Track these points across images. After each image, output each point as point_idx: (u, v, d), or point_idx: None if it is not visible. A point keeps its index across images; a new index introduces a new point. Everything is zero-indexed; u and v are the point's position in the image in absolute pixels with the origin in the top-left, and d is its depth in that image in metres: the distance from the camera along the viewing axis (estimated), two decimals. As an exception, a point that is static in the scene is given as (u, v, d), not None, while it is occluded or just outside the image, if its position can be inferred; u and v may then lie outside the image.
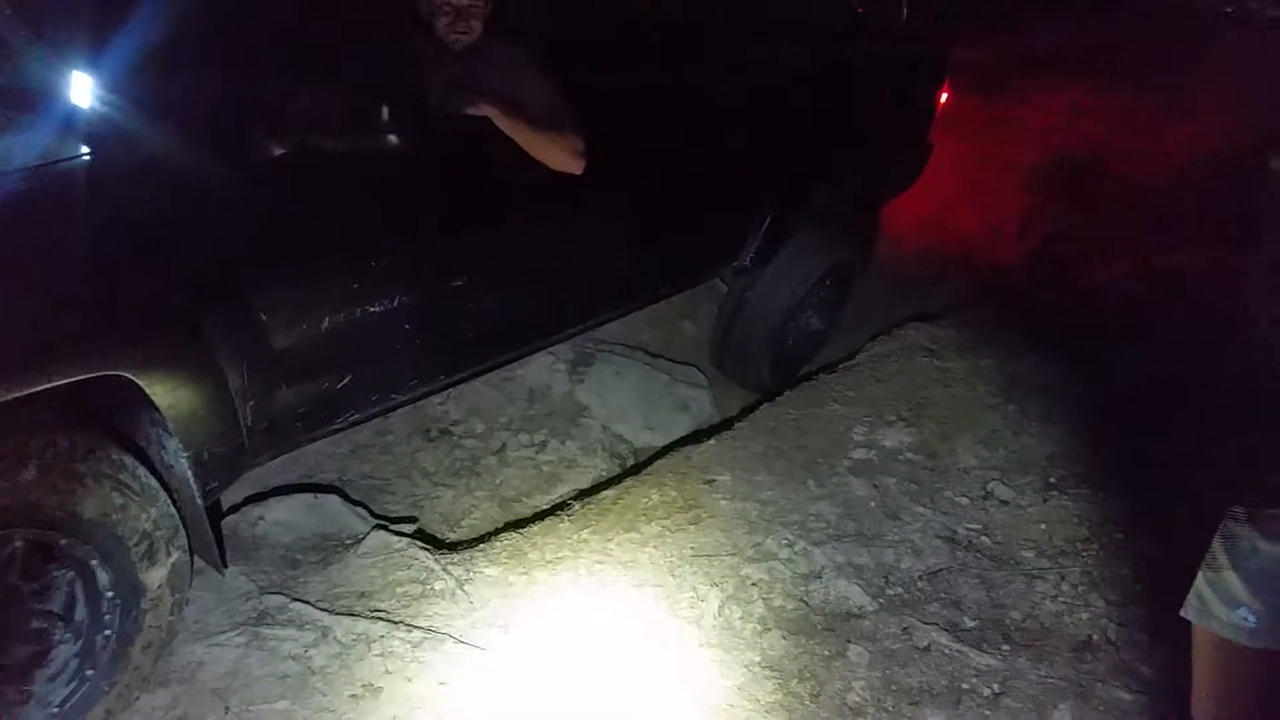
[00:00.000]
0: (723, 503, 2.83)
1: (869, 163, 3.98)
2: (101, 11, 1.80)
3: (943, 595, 2.49)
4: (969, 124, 4.58)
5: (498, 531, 2.80)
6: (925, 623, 2.38)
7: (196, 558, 2.17)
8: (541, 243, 2.71)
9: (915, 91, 4.09)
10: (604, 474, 3.37)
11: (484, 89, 2.41)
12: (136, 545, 2.00)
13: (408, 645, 2.25)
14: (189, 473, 1.99)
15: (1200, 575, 1.81)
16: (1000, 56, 7.94)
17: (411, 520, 2.95)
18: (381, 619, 2.33)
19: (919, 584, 2.53)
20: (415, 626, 2.31)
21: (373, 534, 2.67)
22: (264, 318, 2.06)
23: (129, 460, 1.96)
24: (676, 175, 3.07)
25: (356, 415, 2.42)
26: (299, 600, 2.38)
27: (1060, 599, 2.47)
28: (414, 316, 2.38)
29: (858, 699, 2.18)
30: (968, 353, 3.66)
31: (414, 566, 2.55)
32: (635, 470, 3.12)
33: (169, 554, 2.07)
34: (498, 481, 3.30)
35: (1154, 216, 5.77)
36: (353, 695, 2.13)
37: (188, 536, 2.09)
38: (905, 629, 2.37)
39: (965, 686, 2.20)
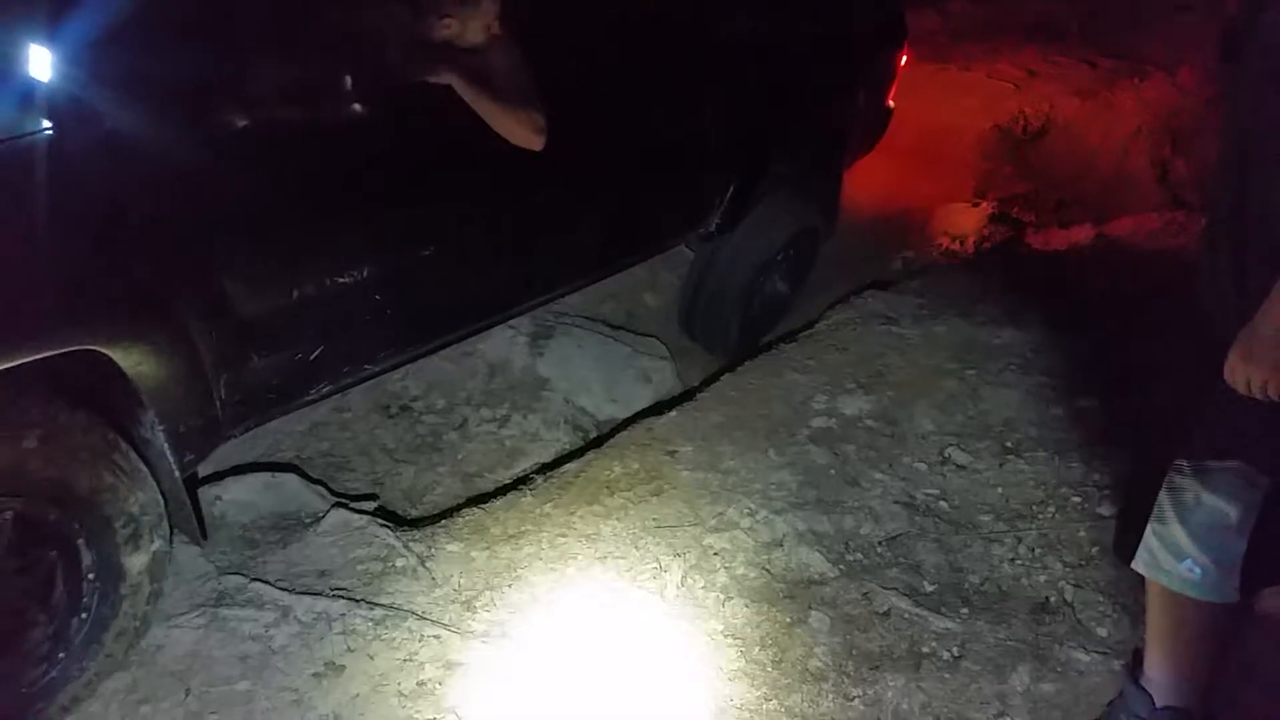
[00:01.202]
0: (684, 473, 2.83)
1: (830, 127, 4.00)
2: None
3: (902, 560, 2.51)
4: (922, 90, 4.58)
5: (459, 507, 2.79)
6: (885, 588, 2.40)
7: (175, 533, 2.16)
8: (507, 212, 2.71)
9: (874, 55, 4.11)
10: (567, 447, 3.36)
11: (449, 56, 2.39)
12: (123, 528, 2.01)
13: (369, 623, 2.24)
14: (165, 446, 2.01)
15: (1149, 528, 1.85)
16: (952, 22, 7.96)
17: (372, 498, 2.93)
18: (342, 597, 2.32)
19: (878, 549, 2.55)
20: (377, 604, 2.30)
21: (332, 512, 2.64)
22: (232, 290, 2.07)
23: (120, 440, 1.96)
24: (640, 142, 3.08)
25: (330, 386, 2.44)
26: (258, 580, 2.36)
27: (1018, 562, 2.50)
28: (382, 287, 2.39)
29: (819, 664, 2.20)
30: (925, 320, 3.68)
31: (374, 544, 2.53)
32: (597, 443, 3.11)
33: (152, 541, 2.07)
34: (460, 457, 3.28)
35: (1108, 179, 5.84)
36: (314, 674, 2.12)
37: (169, 514, 2.09)
38: (865, 594, 2.39)
39: (925, 650, 2.23)
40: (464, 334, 2.91)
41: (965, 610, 2.35)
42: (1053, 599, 2.39)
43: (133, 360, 1.89)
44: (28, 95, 1.74)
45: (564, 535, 2.59)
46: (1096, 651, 2.21)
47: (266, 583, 2.35)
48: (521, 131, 2.50)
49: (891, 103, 4.24)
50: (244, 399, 2.20)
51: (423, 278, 2.53)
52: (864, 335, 3.60)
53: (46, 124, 1.74)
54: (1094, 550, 2.53)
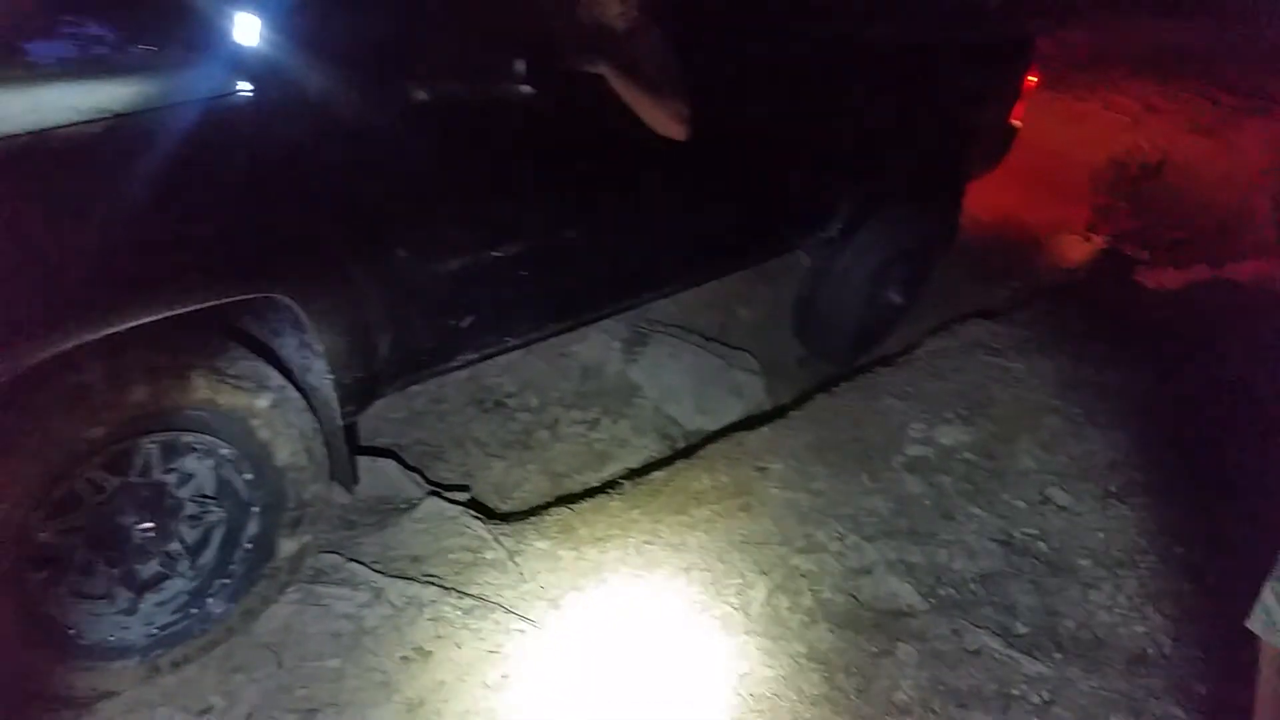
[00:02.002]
0: (774, 491, 2.82)
1: (955, 141, 4.00)
2: None
3: (995, 599, 2.46)
4: (1037, 118, 4.49)
5: (548, 505, 2.81)
6: (976, 625, 2.36)
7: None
8: (650, 201, 2.80)
9: (1003, 72, 4.09)
10: (654, 455, 3.37)
11: (604, 46, 2.48)
12: (291, 510, 2.14)
13: (458, 612, 2.28)
14: (332, 394, 2.13)
15: (1267, 586, 1.77)
16: (1070, 52, 7.77)
17: (464, 489, 2.97)
18: (434, 584, 2.35)
19: (971, 586, 2.50)
20: (466, 594, 2.33)
21: (427, 500, 2.69)
22: (403, 256, 2.18)
23: (311, 421, 2.11)
24: (778, 146, 3.14)
25: (473, 354, 2.56)
26: (354, 560, 2.41)
27: (1115, 610, 2.43)
28: (528, 264, 2.50)
29: (904, 698, 2.16)
30: (1031, 353, 3.60)
31: (466, 535, 2.57)
32: (686, 453, 3.11)
33: (306, 533, 2.19)
34: (549, 456, 3.30)
35: (1226, 220, 5.64)
36: (403, 657, 2.16)
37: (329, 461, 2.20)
38: (956, 630, 2.35)
39: (1015, 693, 2.18)
40: (596, 317, 3.02)
41: (1058, 655, 2.29)
42: (1150, 651, 2.31)
43: (312, 310, 2.01)
44: (233, 59, 1.90)
45: (650, 543, 2.59)
46: (1196, 711, 2.14)
47: (361, 563, 2.40)
48: (666, 120, 2.56)
49: (1017, 122, 4.19)
50: (401, 358, 2.32)
51: (566, 259, 2.63)
52: (965, 365, 3.53)
53: (248, 86, 1.87)
54: (1195, 603, 2.45)
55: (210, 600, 2.12)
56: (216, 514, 2.09)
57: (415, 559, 2.48)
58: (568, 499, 2.85)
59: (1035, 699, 2.17)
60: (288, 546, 2.18)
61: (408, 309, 2.26)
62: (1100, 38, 7.67)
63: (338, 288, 2.07)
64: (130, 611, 2.01)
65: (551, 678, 2.14)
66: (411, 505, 2.69)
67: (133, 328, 1.73)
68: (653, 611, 2.35)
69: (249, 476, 2.08)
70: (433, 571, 2.42)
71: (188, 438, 1.97)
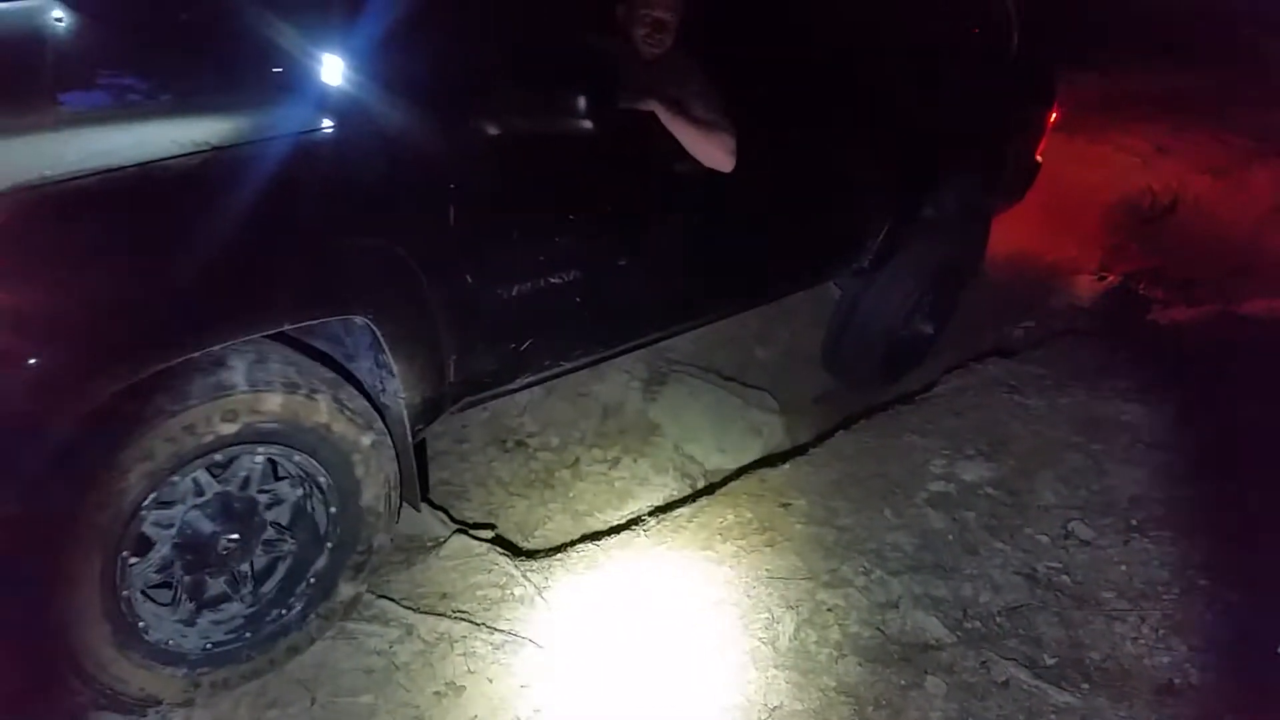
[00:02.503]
0: (798, 527, 2.84)
1: (984, 174, 4.12)
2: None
3: (1021, 632, 2.47)
4: (1050, 160, 4.57)
5: (574, 542, 2.84)
6: (1004, 658, 2.37)
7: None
8: (695, 232, 2.94)
9: (1028, 110, 4.22)
10: (675, 493, 3.40)
11: (654, 89, 2.62)
12: (359, 554, 2.26)
13: (489, 647, 2.30)
14: (404, 413, 2.25)
15: None
16: (1082, 95, 7.85)
17: (489, 527, 3.00)
18: (464, 620, 2.38)
19: (997, 619, 2.51)
20: (496, 629, 2.36)
21: (454, 538, 2.73)
22: (470, 282, 2.31)
23: (394, 470, 2.26)
24: (816, 179, 3.29)
25: (531, 376, 2.69)
26: (384, 598, 2.44)
27: (1141, 641, 2.44)
28: (582, 291, 2.62)
29: (934, 729, 2.18)
30: (1049, 390, 3.63)
31: (494, 571, 2.60)
32: (709, 490, 3.14)
33: (364, 582, 2.33)
34: (571, 495, 3.34)
35: (1238, 261, 5.67)
36: (436, 693, 2.18)
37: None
38: (984, 663, 2.36)
39: (1044, 724, 2.19)
40: (644, 342, 3.14)
41: (1086, 686, 2.30)
42: (1177, 681, 2.32)
43: (389, 331, 2.13)
44: (318, 97, 2.05)
45: (677, 578, 2.62)
46: (1226, 740, 2.15)
47: (392, 600, 2.43)
48: (714, 153, 2.71)
49: (1040, 158, 4.31)
50: (465, 379, 2.45)
51: (615, 286, 2.74)
52: (984, 402, 3.57)
53: (330, 123, 2.02)
54: (1221, 636, 2.46)
55: (263, 629, 2.17)
56: (289, 545, 2.19)
57: (444, 595, 2.51)
58: (593, 536, 2.88)
59: (1065, 730, 2.18)
60: (346, 590, 2.27)
61: (473, 332, 2.39)
62: (1111, 82, 7.75)
63: (411, 310, 2.19)
64: (189, 622, 2.08)
65: (584, 711, 2.16)
66: (438, 543, 2.72)
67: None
68: (681, 646, 2.37)
69: (333, 510, 2.18)
70: (462, 608, 2.45)
71: (296, 457, 2.09)
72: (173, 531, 1.99)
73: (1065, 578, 2.68)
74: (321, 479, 2.14)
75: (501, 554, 2.69)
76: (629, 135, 2.58)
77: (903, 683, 2.30)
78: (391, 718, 2.12)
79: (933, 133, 3.65)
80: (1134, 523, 2.91)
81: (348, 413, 2.11)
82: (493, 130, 2.24)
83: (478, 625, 2.37)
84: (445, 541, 2.72)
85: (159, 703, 2.03)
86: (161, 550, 1.99)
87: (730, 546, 2.75)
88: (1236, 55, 8.54)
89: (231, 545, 2.07)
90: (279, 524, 2.17)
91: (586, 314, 2.68)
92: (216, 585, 2.11)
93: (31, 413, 1.65)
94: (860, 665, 2.35)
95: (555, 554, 2.75)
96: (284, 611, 2.19)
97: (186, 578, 2.05)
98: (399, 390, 2.22)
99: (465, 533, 2.78)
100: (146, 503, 1.88)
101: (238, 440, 1.97)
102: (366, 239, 2.07)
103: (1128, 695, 2.27)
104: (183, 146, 1.80)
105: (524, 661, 2.27)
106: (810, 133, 3.18)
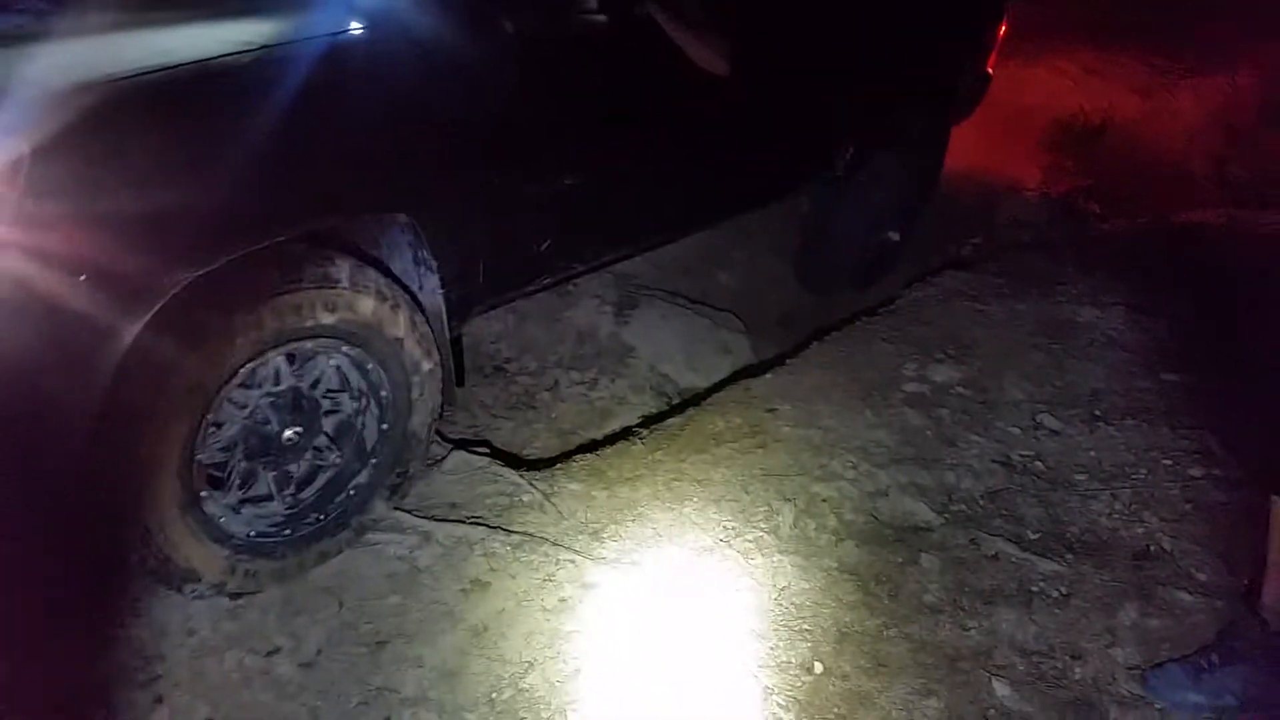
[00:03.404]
0: (786, 429, 2.96)
1: (944, 87, 4.26)
2: None
3: (1004, 512, 2.63)
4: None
5: (572, 453, 2.92)
6: (990, 534, 2.52)
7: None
8: (697, 140, 3.04)
9: (982, 23, 4.38)
10: (653, 411, 3.49)
11: None
12: (397, 476, 2.41)
13: (507, 547, 2.38)
14: (442, 308, 2.38)
15: None
16: (1016, 21, 8.02)
17: (484, 444, 3.06)
18: (479, 524, 2.45)
19: (980, 502, 2.67)
20: (512, 531, 2.44)
21: (453, 454, 2.78)
22: (499, 185, 2.42)
23: (438, 402, 2.42)
24: (796, 93, 3.40)
25: (549, 278, 2.85)
26: (397, 509, 2.50)
27: (1115, 516, 2.61)
28: (597, 193, 2.76)
29: (934, 599, 2.32)
30: (1007, 298, 3.79)
31: (499, 482, 2.67)
32: (696, 401, 3.24)
33: (394, 505, 2.45)
34: (553, 415, 3.41)
35: (1167, 176, 5.91)
36: (461, 590, 2.26)
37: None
38: (972, 540, 2.51)
39: (1035, 589, 2.35)
40: (648, 245, 3.36)
41: (1070, 555, 2.46)
42: (1152, 548, 2.50)
43: (429, 228, 2.25)
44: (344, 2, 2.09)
45: (677, 479, 2.71)
46: (1199, 593, 2.33)
47: (405, 511, 2.49)
48: (710, 55, 2.78)
49: (990, 70, 4.47)
50: (493, 278, 2.57)
51: (625, 189, 2.87)
52: (947, 311, 3.71)
53: (359, 25, 2.07)
54: (1188, 507, 2.64)
55: (299, 530, 2.26)
56: (334, 456, 2.29)
57: (454, 505, 2.57)
58: (590, 446, 2.97)
59: (1054, 593, 2.34)
60: (379, 508, 2.38)
61: (501, 231, 2.51)
62: (1042, 9, 7.93)
63: (447, 209, 2.31)
64: (236, 509, 2.17)
65: (605, 600, 2.25)
66: (438, 460, 2.77)
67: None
68: (689, 538, 2.48)
69: (384, 427, 2.30)
70: (475, 514, 2.52)
71: (370, 365, 2.23)
72: (245, 413, 2.10)
73: (1039, 463, 2.84)
74: (384, 393, 2.27)
75: (503, 466, 2.75)
76: (639, 36, 2.65)
77: (899, 560, 2.44)
78: (421, 614, 2.19)
79: (896, 47, 3.77)
80: (1097, 413, 3.08)
81: (418, 333, 2.27)
82: (513, 31, 2.30)
83: (493, 529, 2.45)
84: (445, 458, 2.77)
85: (198, 580, 2.11)
86: (231, 430, 2.09)
87: (724, 449, 2.85)
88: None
89: (291, 440, 2.19)
90: (329, 434, 2.25)
91: (599, 216, 2.83)
92: (265, 480, 2.18)
93: (137, 272, 1.78)
94: (858, 547, 2.48)
95: (555, 464, 2.83)
96: (321, 518, 2.27)
97: (243, 464, 2.14)
98: (437, 287, 2.34)
99: (464, 448, 2.84)
100: (239, 374, 2.02)
101: (331, 333, 2.12)
102: (403, 138, 2.16)
103: (1108, 562, 2.45)
104: (231, 46, 1.87)
105: (543, 558, 2.35)
106: (792, 49, 3.28)
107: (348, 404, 2.26)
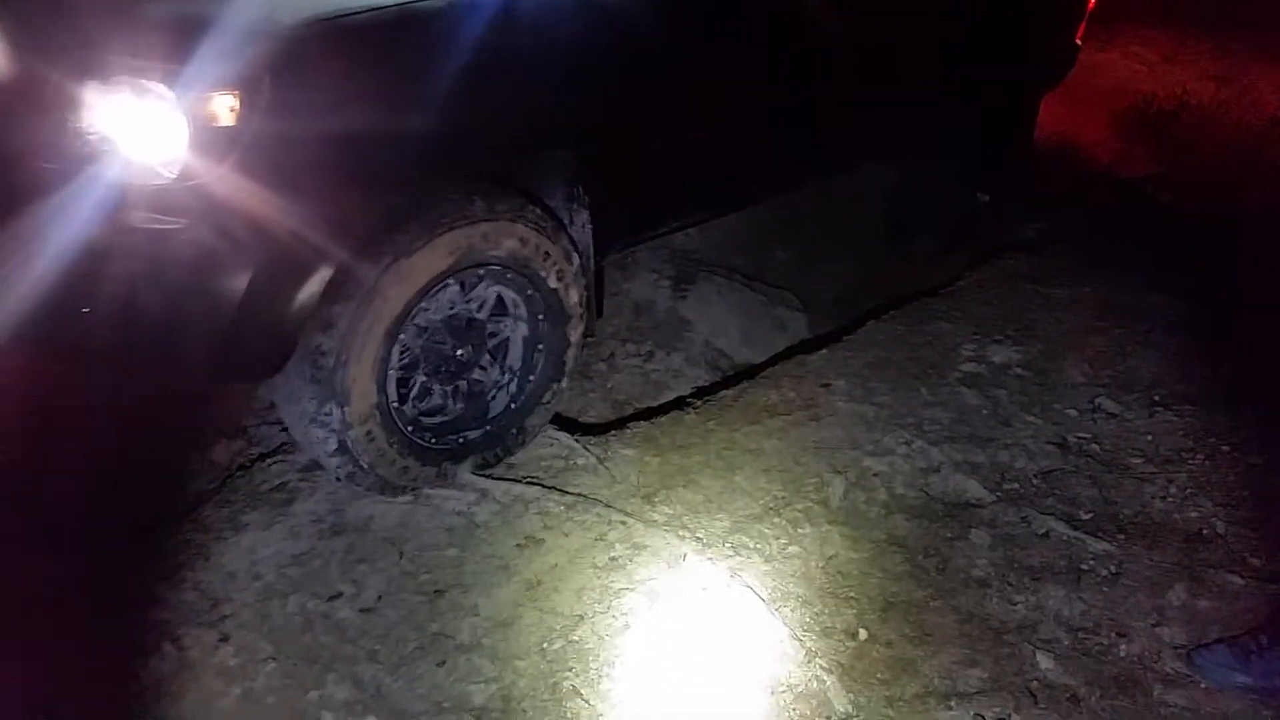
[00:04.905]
0: (840, 404, 2.98)
1: (1035, 54, 4.30)
2: None
3: (1057, 491, 2.63)
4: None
5: (626, 420, 2.98)
6: (1042, 513, 2.53)
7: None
8: (798, 101, 3.15)
9: None
10: (707, 383, 3.52)
11: None
12: (550, 395, 2.67)
13: (561, 507, 2.44)
14: (591, 243, 2.60)
15: None
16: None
17: (541, 409, 3.12)
18: (535, 484, 2.52)
19: (1034, 481, 2.67)
20: (567, 492, 2.50)
21: (510, 417, 2.84)
22: (639, 132, 2.62)
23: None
24: (906, 55, 3.50)
25: (673, 224, 3.07)
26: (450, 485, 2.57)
27: (1169, 499, 2.60)
28: (719, 147, 2.93)
29: (981, 574, 2.34)
30: (1070, 281, 3.76)
31: (555, 445, 2.73)
32: (750, 374, 3.27)
33: (545, 404, 2.68)
34: (609, 385, 3.45)
35: (1244, 164, 5.77)
36: (517, 545, 2.33)
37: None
38: (1024, 518, 2.51)
39: (1084, 567, 2.35)
40: (777, 194, 3.55)
41: (1121, 536, 2.46)
42: (1205, 531, 2.49)
43: (586, 166, 2.48)
44: None
45: (729, 449, 2.76)
46: (1251, 577, 2.32)
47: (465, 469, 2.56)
48: (831, 24, 2.92)
49: (1079, 40, 4.48)
50: (629, 220, 2.81)
51: (745, 145, 3.04)
52: (1009, 292, 3.69)
53: None
54: (1245, 493, 2.62)
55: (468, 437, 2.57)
56: (496, 374, 2.57)
57: (511, 465, 2.64)
58: (644, 414, 3.01)
59: (1104, 572, 2.34)
60: (533, 423, 2.67)
61: (638, 176, 2.70)
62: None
63: (599, 150, 2.50)
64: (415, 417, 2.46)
65: (655, 560, 2.31)
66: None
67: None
68: (739, 505, 2.52)
69: (540, 348, 2.59)
70: (531, 474, 2.59)
71: (530, 293, 2.50)
72: (425, 336, 2.37)
73: (1095, 446, 2.83)
74: (541, 318, 2.54)
75: (559, 430, 2.81)
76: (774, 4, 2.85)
77: (949, 535, 2.46)
78: (478, 566, 2.27)
79: (991, 15, 3.86)
80: (1156, 398, 3.05)
81: (573, 265, 2.52)
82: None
83: (548, 489, 2.51)
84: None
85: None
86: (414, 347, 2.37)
87: (777, 421, 2.88)
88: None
89: (464, 355, 2.45)
90: (492, 354, 2.55)
91: (720, 169, 3.00)
92: (439, 392, 2.48)
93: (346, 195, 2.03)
94: (908, 521, 2.50)
95: (610, 430, 2.88)
96: (463, 437, 2.55)
97: (422, 379, 2.42)
98: (587, 222, 2.55)
99: (521, 412, 2.90)
100: (430, 294, 2.28)
101: (507, 263, 2.38)
102: (569, 82, 2.35)
103: (1160, 544, 2.44)
104: None
105: (595, 519, 2.41)
106: (902, 13, 3.41)
107: (510, 327, 2.53)
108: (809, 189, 3.79)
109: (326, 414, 2.21)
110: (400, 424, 2.37)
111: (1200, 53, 7.08)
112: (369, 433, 2.28)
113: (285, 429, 2.61)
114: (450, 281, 2.33)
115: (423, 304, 2.28)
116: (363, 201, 2.07)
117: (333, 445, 2.26)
